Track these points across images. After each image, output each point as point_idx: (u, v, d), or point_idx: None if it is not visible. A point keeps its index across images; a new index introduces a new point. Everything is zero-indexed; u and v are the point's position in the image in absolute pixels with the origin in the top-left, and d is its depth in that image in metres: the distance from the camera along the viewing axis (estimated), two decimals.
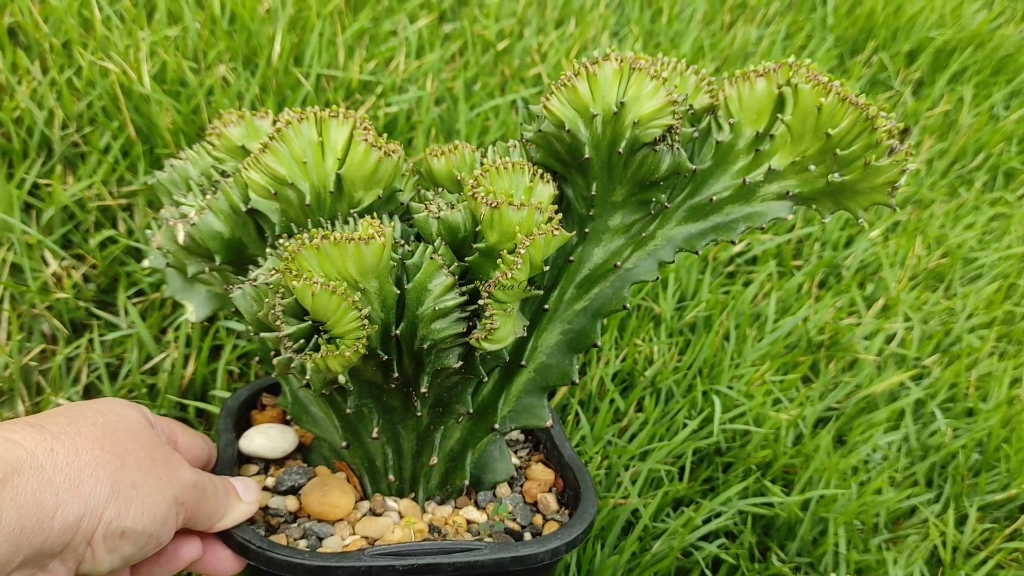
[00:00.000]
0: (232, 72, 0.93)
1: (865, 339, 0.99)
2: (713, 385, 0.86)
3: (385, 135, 0.51)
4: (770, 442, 0.84)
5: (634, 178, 0.52)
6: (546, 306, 0.55)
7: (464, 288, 0.49)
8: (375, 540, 0.52)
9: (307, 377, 0.45)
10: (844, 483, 0.84)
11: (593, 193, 0.53)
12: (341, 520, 0.53)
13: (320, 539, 0.52)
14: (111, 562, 0.42)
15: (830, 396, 0.91)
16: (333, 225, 0.50)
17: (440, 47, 1.08)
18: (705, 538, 0.78)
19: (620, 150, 0.50)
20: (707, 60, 1.22)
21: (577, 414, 0.81)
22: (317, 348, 0.45)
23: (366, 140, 0.50)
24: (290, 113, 0.50)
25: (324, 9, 1.02)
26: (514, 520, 0.55)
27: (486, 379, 0.52)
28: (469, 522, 0.55)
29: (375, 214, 0.49)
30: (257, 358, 0.80)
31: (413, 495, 0.57)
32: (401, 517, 0.55)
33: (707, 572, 0.76)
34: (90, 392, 0.77)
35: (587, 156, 0.51)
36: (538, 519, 0.56)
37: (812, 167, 0.53)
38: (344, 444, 0.55)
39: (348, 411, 0.51)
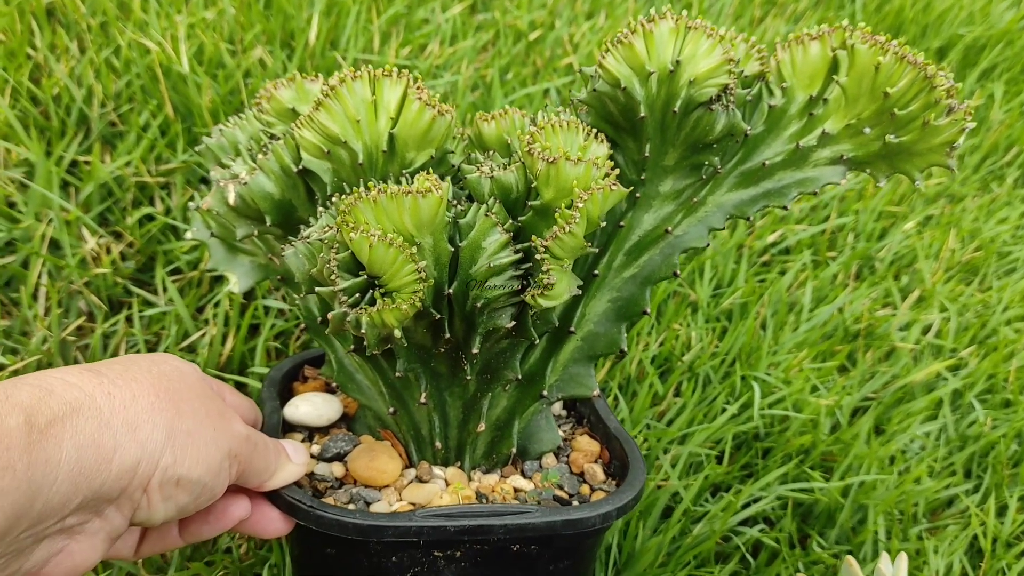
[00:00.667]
0: (269, 55, 0.93)
1: (901, 330, 0.98)
2: (751, 371, 0.85)
3: (437, 95, 0.50)
4: (809, 428, 0.83)
5: (687, 140, 0.51)
6: (596, 271, 0.54)
7: (518, 246, 0.48)
8: (422, 506, 0.51)
9: (362, 330, 0.44)
10: (883, 471, 0.83)
11: (646, 155, 0.52)
12: (388, 486, 0.52)
13: (367, 504, 0.52)
14: (166, 511, 0.42)
15: (867, 385, 0.90)
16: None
17: (472, 36, 1.08)
18: (744, 523, 0.77)
19: (675, 109, 0.49)
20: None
21: (616, 397, 0.81)
22: (372, 302, 0.45)
23: (420, 98, 0.50)
24: (344, 72, 0.50)
25: None
26: (561, 489, 0.54)
27: (537, 341, 0.51)
28: (516, 490, 0.54)
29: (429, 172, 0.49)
30: (299, 329, 0.79)
31: (459, 463, 0.56)
32: (447, 484, 0.54)
33: (748, 556, 0.75)
34: None
35: (642, 115, 0.50)
36: (585, 489, 0.55)
37: (867, 130, 0.52)
38: (391, 410, 0.54)
39: (397, 374, 0.51)
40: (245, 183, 0.52)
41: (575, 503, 0.54)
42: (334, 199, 0.49)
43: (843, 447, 0.83)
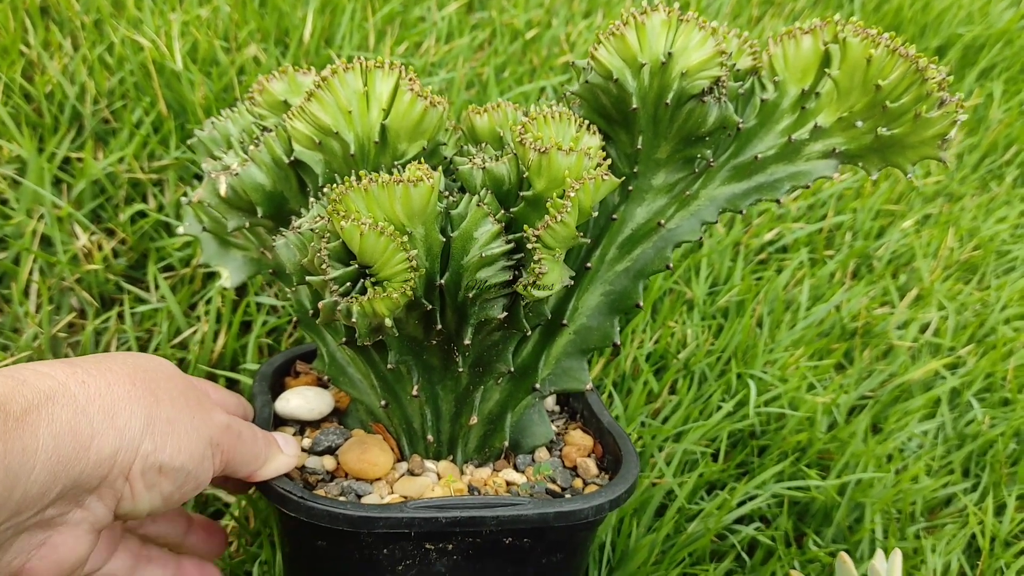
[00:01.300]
0: (263, 52, 0.94)
1: (899, 328, 0.98)
2: (747, 369, 0.85)
3: (430, 87, 0.51)
4: (805, 426, 0.83)
5: (680, 132, 0.52)
6: (589, 264, 0.54)
7: (510, 237, 0.48)
8: (414, 499, 0.51)
9: (353, 319, 0.44)
10: (880, 469, 0.83)
11: (638, 147, 0.52)
12: (379, 479, 0.52)
13: (359, 496, 0.51)
14: (151, 500, 0.41)
15: (864, 383, 0.90)
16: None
17: (468, 34, 1.08)
18: (740, 521, 0.77)
19: (668, 101, 0.50)
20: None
21: (611, 394, 0.81)
22: (363, 292, 0.45)
23: (412, 89, 0.50)
24: (336, 63, 0.50)
25: None
26: (554, 482, 0.54)
27: (529, 332, 0.51)
28: (509, 483, 0.54)
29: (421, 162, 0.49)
30: (291, 325, 0.79)
31: (451, 457, 0.56)
32: (439, 478, 0.54)
33: (743, 555, 0.75)
34: None
35: (634, 107, 0.50)
36: (578, 483, 0.55)
37: (859, 123, 0.52)
38: (383, 403, 0.54)
39: (389, 367, 0.51)
40: (236, 174, 0.52)
41: (568, 496, 0.54)
42: (325, 190, 0.49)
43: (840, 445, 0.83)
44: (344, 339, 0.52)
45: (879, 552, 0.57)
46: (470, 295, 0.48)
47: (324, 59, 0.95)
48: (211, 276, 0.81)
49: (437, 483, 0.53)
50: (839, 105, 0.53)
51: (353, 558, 0.49)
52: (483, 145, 0.54)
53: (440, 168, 0.51)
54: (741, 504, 0.76)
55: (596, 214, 0.51)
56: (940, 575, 0.78)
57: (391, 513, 0.46)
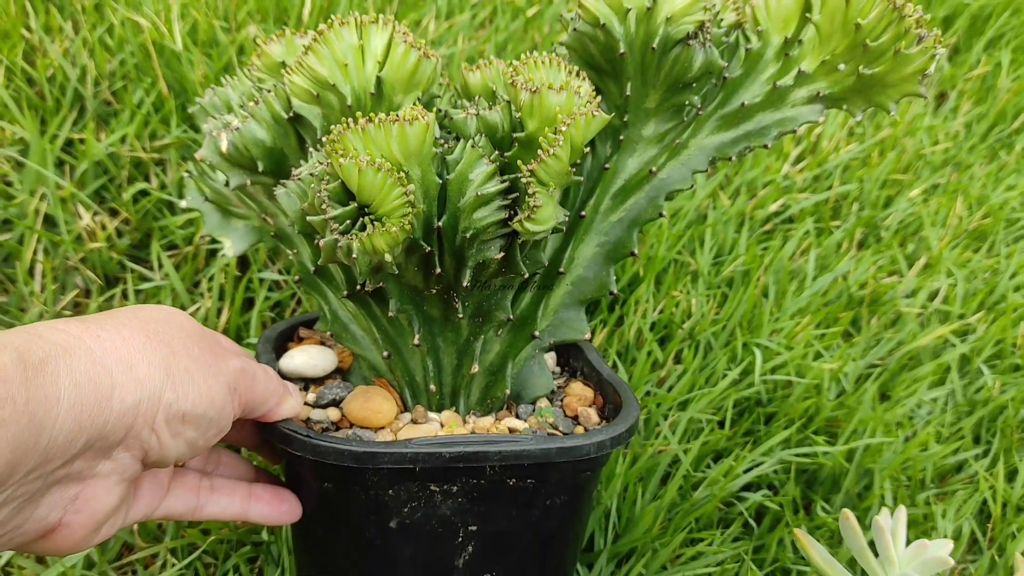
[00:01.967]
0: (263, 31, 0.94)
1: (907, 296, 0.97)
2: (752, 337, 0.84)
3: (423, 40, 0.51)
4: (813, 393, 0.83)
5: (667, 79, 0.53)
6: (583, 213, 0.55)
7: (505, 177, 0.49)
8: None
9: (354, 256, 0.45)
10: (889, 436, 0.82)
11: (628, 94, 0.53)
12: (384, 428, 0.53)
13: None
14: (176, 448, 0.42)
15: (872, 351, 0.90)
16: None
17: (469, 11, 1.07)
18: (747, 488, 0.77)
19: (654, 47, 0.51)
20: None
21: (615, 363, 0.80)
22: (363, 229, 0.46)
23: (405, 41, 0.51)
24: (332, 19, 0.51)
25: None
26: (556, 429, 0.55)
27: (526, 275, 0.52)
28: (511, 430, 0.55)
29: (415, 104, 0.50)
30: (294, 300, 0.80)
31: (454, 408, 0.57)
32: (442, 427, 0.55)
33: (751, 521, 0.74)
34: None
35: (622, 51, 0.52)
36: (579, 430, 0.56)
37: (842, 66, 0.54)
38: (385, 354, 0.55)
39: (390, 314, 0.52)
40: (237, 129, 0.53)
41: None
42: (323, 140, 0.49)
43: (847, 412, 0.82)
44: (346, 292, 0.54)
45: (884, 510, 0.57)
46: (467, 235, 0.49)
47: None
48: (214, 253, 0.82)
49: (440, 431, 0.53)
50: (821, 49, 0.54)
51: (359, 500, 0.49)
52: (477, 98, 0.55)
53: (433, 110, 0.52)
54: (748, 471, 0.76)
55: (589, 157, 0.53)
56: (951, 540, 0.78)
57: (396, 449, 0.47)
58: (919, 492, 0.81)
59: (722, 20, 0.54)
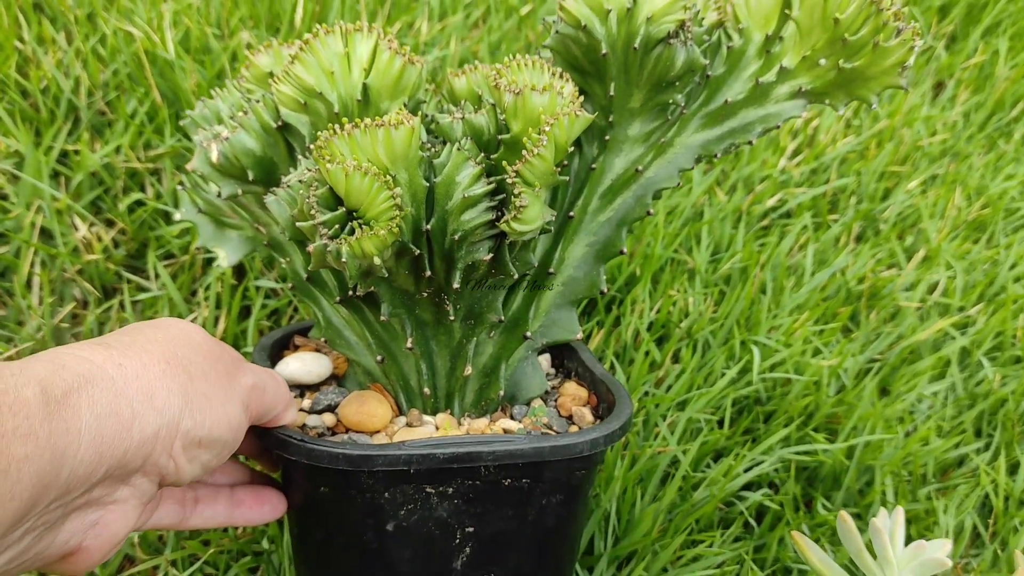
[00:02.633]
0: (255, 38, 0.93)
1: (906, 290, 0.96)
2: (751, 335, 0.84)
3: (408, 47, 0.51)
4: (812, 391, 0.82)
5: (651, 78, 0.53)
6: (571, 213, 0.56)
7: (491, 179, 0.49)
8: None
9: (343, 261, 0.46)
10: (890, 431, 0.82)
11: (612, 94, 0.54)
12: (379, 432, 0.54)
13: None
14: (192, 471, 0.43)
15: (872, 346, 0.89)
16: None
17: (462, 11, 1.07)
18: (748, 488, 0.77)
19: (636, 46, 0.52)
20: None
21: (612, 364, 0.80)
22: (352, 233, 0.46)
23: (390, 48, 0.51)
24: (317, 28, 0.52)
25: None
26: (550, 428, 0.56)
27: (516, 276, 0.52)
28: (505, 431, 0.56)
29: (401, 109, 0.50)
30: (290, 308, 0.80)
31: (448, 411, 0.57)
32: (437, 430, 0.55)
33: (751, 521, 0.74)
34: None
35: (604, 52, 0.52)
36: (574, 429, 0.56)
37: (822, 60, 0.54)
38: (379, 358, 0.55)
39: (382, 318, 0.52)
40: (227, 139, 0.54)
41: None
42: (312, 147, 0.50)
43: (847, 408, 0.82)
44: (338, 297, 0.54)
45: (882, 511, 0.56)
46: (456, 237, 0.49)
47: None
48: (210, 262, 0.82)
49: (435, 433, 0.54)
50: (802, 45, 0.55)
51: (355, 504, 0.50)
52: (463, 103, 0.55)
53: (420, 115, 0.52)
54: (748, 470, 0.76)
55: (576, 158, 0.54)
56: (953, 535, 0.77)
57: (390, 451, 0.47)
58: (920, 487, 0.80)
59: (703, 19, 0.55)
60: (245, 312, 0.81)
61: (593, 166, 0.56)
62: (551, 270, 0.56)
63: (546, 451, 0.49)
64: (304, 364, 0.58)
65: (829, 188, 1.03)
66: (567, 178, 0.54)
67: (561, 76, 0.51)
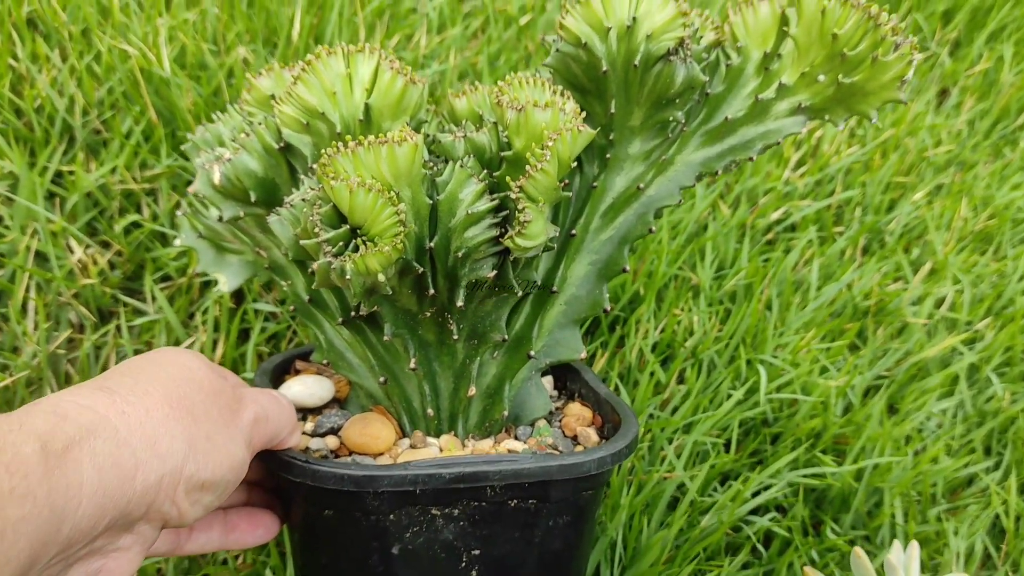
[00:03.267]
0: (252, 53, 0.92)
1: (913, 304, 0.95)
2: (757, 354, 0.83)
3: (410, 67, 0.51)
4: (819, 411, 0.81)
5: (651, 95, 0.53)
6: (573, 231, 0.56)
7: (494, 195, 0.49)
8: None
9: (348, 278, 0.45)
10: (898, 452, 0.80)
11: (612, 112, 0.54)
12: (382, 454, 0.53)
13: None
14: (195, 514, 0.42)
15: (879, 363, 0.88)
16: None
17: (461, 23, 1.06)
18: (755, 512, 0.75)
19: (636, 63, 0.52)
20: None
21: (617, 387, 0.79)
22: (356, 250, 0.46)
23: (392, 68, 0.51)
24: (319, 49, 0.51)
25: None
26: (556, 449, 0.55)
27: (520, 293, 0.52)
28: (511, 451, 0.55)
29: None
30: (290, 331, 0.78)
31: (452, 433, 0.57)
32: (441, 451, 0.54)
33: (759, 546, 0.73)
34: None
35: (604, 69, 0.52)
36: (579, 450, 0.55)
37: (821, 76, 0.54)
38: (382, 379, 0.55)
39: (385, 338, 0.52)
40: (229, 160, 0.54)
41: None
42: (314, 167, 0.50)
43: (855, 429, 0.81)
44: (341, 318, 0.54)
45: (896, 544, 0.55)
46: (459, 255, 0.49)
47: None
48: (208, 284, 0.80)
49: (439, 454, 0.53)
50: (801, 62, 0.55)
51: (361, 526, 0.49)
52: (464, 122, 0.55)
53: (421, 134, 0.51)
54: (755, 495, 0.75)
55: (577, 176, 0.54)
56: (964, 558, 0.76)
57: (395, 471, 0.47)
58: (930, 508, 0.79)
59: (701, 38, 0.55)
60: (244, 336, 0.80)
61: (594, 184, 0.56)
62: (554, 288, 0.56)
63: (553, 470, 0.48)
64: (306, 387, 0.58)
65: (834, 200, 1.02)
66: (570, 194, 0.54)
67: (562, 94, 0.51)
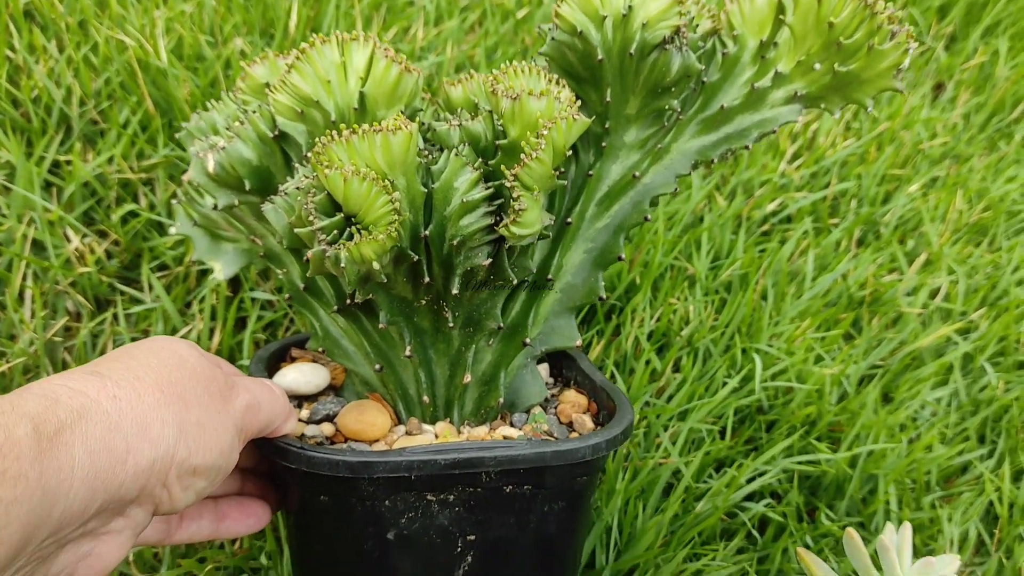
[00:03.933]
0: (249, 44, 0.93)
1: (908, 294, 0.96)
2: (752, 343, 0.83)
3: (403, 54, 0.51)
4: (814, 399, 0.82)
5: (646, 84, 0.54)
6: (569, 219, 0.56)
7: (489, 184, 0.50)
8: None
9: (342, 266, 0.46)
10: (893, 440, 0.81)
11: (608, 100, 0.54)
12: (378, 441, 0.53)
13: None
14: (187, 499, 0.43)
15: (874, 353, 0.89)
16: None
17: (458, 16, 1.06)
18: (750, 498, 0.76)
19: (631, 52, 0.52)
20: None
21: (613, 375, 0.79)
22: (350, 238, 0.46)
23: (386, 56, 0.52)
24: (313, 38, 0.52)
25: None
26: (551, 436, 0.56)
27: (515, 282, 0.53)
28: (506, 438, 0.55)
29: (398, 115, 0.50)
30: (287, 319, 0.79)
31: (448, 420, 0.57)
32: (436, 438, 0.55)
33: (754, 532, 0.74)
34: None
35: (600, 58, 0.52)
36: (574, 436, 0.56)
37: (817, 65, 0.54)
38: (377, 367, 0.55)
39: (380, 326, 0.52)
40: (223, 148, 0.54)
41: None
42: (309, 155, 0.50)
43: (850, 416, 0.82)
44: (336, 306, 0.54)
45: (889, 526, 0.56)
46: (454, 243, 0.49)
47: None
48: (204, 273, 0.81)
49: (435, 441, 0.54)
50: (797, 50, 0.55)
51: (356, 512, 0.49)
52: (459, 111, 0.56)
53: (416, 122, 0.52)
54: (750, 481, 0.75)
55: (573, 165, 0.54)
56: (958, 544, 0.77)
57: (391, 457, 0.47)
58: (924, 495, 0.80)
59: (697, 26, 0.55)
60: (241, 324, 0.80)
61: (590, 173, 0.56)
62: (549, 276, 0.56)
63: (548, 456, 0.49)
64: (302, 374, 0.59)
65: (829, 192, 1.02)
66: (565, 182, 0.54)
67: (558, 82, 0.51)
